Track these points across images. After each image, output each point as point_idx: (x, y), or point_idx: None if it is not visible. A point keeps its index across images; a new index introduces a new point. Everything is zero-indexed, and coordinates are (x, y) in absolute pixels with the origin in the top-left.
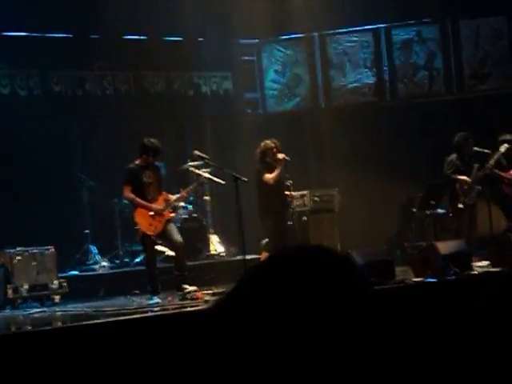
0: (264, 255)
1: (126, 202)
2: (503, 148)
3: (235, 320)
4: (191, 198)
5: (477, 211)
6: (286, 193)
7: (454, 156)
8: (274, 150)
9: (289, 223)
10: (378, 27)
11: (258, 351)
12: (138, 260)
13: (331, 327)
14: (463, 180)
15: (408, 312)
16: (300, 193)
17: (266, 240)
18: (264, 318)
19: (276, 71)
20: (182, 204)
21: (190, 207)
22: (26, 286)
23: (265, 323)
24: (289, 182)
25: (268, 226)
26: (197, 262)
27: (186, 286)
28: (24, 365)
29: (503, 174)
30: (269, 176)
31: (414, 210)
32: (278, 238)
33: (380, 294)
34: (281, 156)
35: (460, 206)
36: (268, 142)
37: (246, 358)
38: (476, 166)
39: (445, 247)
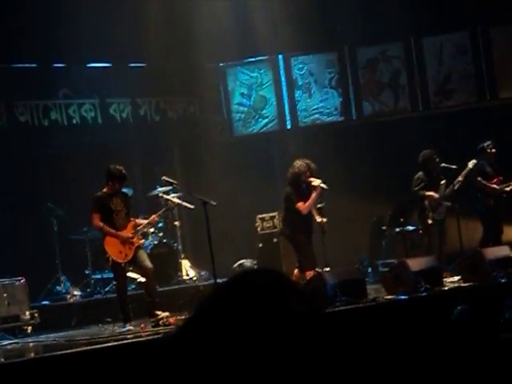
0: (297, 274)
1: (95, 230)
2: (471, 164)
3: (192, 345)
4: (161, 224)
5: (446, 227)
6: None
7: (420, 173)
8: (307, 173)
9: (260, 245)
10: (343, 47)
11: (213, 375)
12: (108, 288)
13: (278, 350)
14: (431, 196)
15: (381, 330)
16: (269, 214)
17: (239, 263)
18: (218, 343)
19: (242, 94)
20: (152, 230)
21: (160, 233)
22: None
23: (219, 347)
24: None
25: (301, 240)
26: (168, 288)
27: (159, 312)
28: None
29: (486, 183)
30: (302, 205)
31: (384, 227)
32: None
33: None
34: (316, 183)
35: (429, 221)
36: (300, 163)
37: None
38: (444, 181)
39: (415, 264)
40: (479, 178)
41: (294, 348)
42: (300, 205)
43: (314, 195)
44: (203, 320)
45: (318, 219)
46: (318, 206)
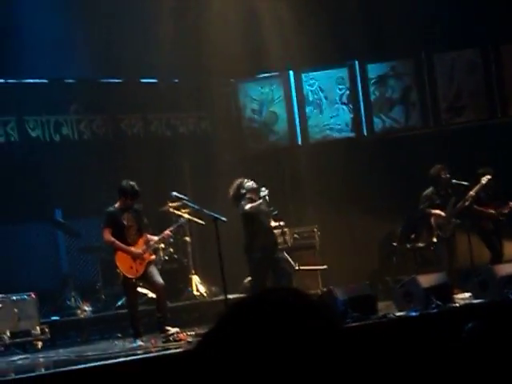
0: None
1: (106, 245)
2: (484, 180)
3: (215, 360)
4: (171, 240)
5: (455, 244)
6: (273, 224)
7: (430, 190)
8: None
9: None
10: (353, 63)
11: None
12: (119, 303)
13: (305, 369)
14: (437, 214)
15: (392, 347)
16: (280, 230)
17: (249, 279)
18: (243, 358)
19: (253, 110)
20: (163, 245)
21: (171, 248)
22: (7, 334)
23: (243, 363)
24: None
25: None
26: (179, 303)
27: (169, 328)
28: None
29: (482, 208)
30: (248, 205)
31: (395, 243)
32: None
33: (363, 330)
34: (262, 193)
35: (434, 239)
36: (240, 180)
37: None
38: (453, 198)
39: (426, 280)
40: (475, 206)
41: (312, 364)
42: (247, 206)
43: (257, 202)
44: (222, 337)
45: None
46: (274, 213)
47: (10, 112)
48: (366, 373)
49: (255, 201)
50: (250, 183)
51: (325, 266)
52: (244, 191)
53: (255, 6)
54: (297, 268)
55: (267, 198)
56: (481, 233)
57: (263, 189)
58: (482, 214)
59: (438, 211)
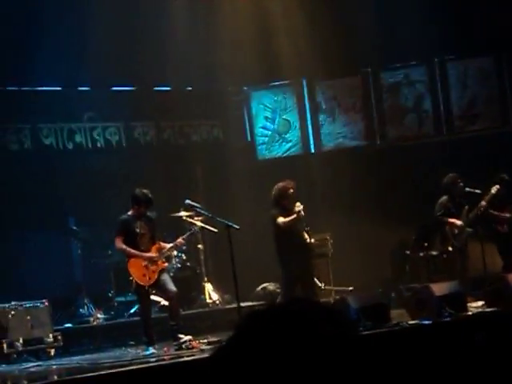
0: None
1: (119, 252)
2: (494, 189)
3: (235, 368)
4: (184, 247)
5: (468, 253)
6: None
7: (444, 198)
8: (291, 191)
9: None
10: (366, 71)
11: None
12: (132, 311)
13: (321, 376)
14: (454, 223)
15: (404, 355)
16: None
17: (262, 286)
18: (259, 367)
19: (266, 118)
20: (175, 253)
21: (184, 256)
22: (20, 341)
23: (260, 372)
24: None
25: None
26: (191, 311)
27: (182, 336)
28: None
29: (497, 213)
30: (282, 219)
31: (408, 252)
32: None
33: (376, 338)
34: (297, 208)
35: (450, 248)
36: (282, 183)
37: None
38: (466, 207)
39: (439, 289)
40: (491, 210)
41: (328, 371)
42: (279, 218)
43: (292, 217)
44: (237, 346)
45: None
46: (306, 229)
47: (24, 120)
48: (379, 381)
49: (288, 209)
50: (290, 191)
51: (351, 288)
52: (281, 197)
53: (269, 14)
54: (322, 288)
55: (302, 213)
56: (496, 237)
57: (298, 204)
58: (497, 218)
59: (453, 220)
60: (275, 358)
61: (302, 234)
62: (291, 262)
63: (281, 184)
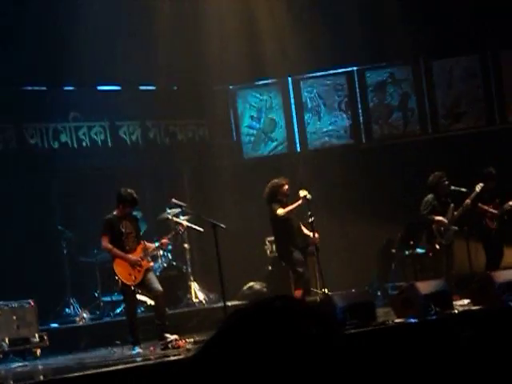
0: (298, 292)
1: (104, 252)
2: (478, 187)
3: (216, 368)
4: (170, 247)
5: (454, 251)
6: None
7: (430, 196)
8: (286, 187)
9: (269, 268)
10: (352, 70)
11: None
12: (118, 311)
13: (305, 375)
14: (440, 221)
15: (390, 354)
16: None
17: (248, 286)
18: (243, 366)
19: (251, 117)
20: (161, 252)
21: (170, 255)
22: (6, 341)
23: (243, 370)
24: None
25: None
26: (177, 311)
27: (168, 335)
28: None
29: (486, 207)
30: (280, 209)
31: (394, 250)
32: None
33: (362, 336)
34: (302, 194)
35: (437, 246)
36: (275, 180)
37: None
38: (451, 205)
39: (425, 287)
40: (479, 204)
41: (312, 370)
42: (278, 209)
43: (295, 204)
44: (222, 344)
45: (311, 235)
46: (309, 220)
47: (9, 119)
48: (365, 379)
49: (286, 204)
50: (285, 187)
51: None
52: (276, 193)
53: (254, 13)
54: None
55: (309, 196)
56: (483, 234)
57: (302, 190)
58: (487, 212)
59: (440, 217)
60: (258, 357)
61: (299, 229)
62: (294, 248)
63: (275, 181)
